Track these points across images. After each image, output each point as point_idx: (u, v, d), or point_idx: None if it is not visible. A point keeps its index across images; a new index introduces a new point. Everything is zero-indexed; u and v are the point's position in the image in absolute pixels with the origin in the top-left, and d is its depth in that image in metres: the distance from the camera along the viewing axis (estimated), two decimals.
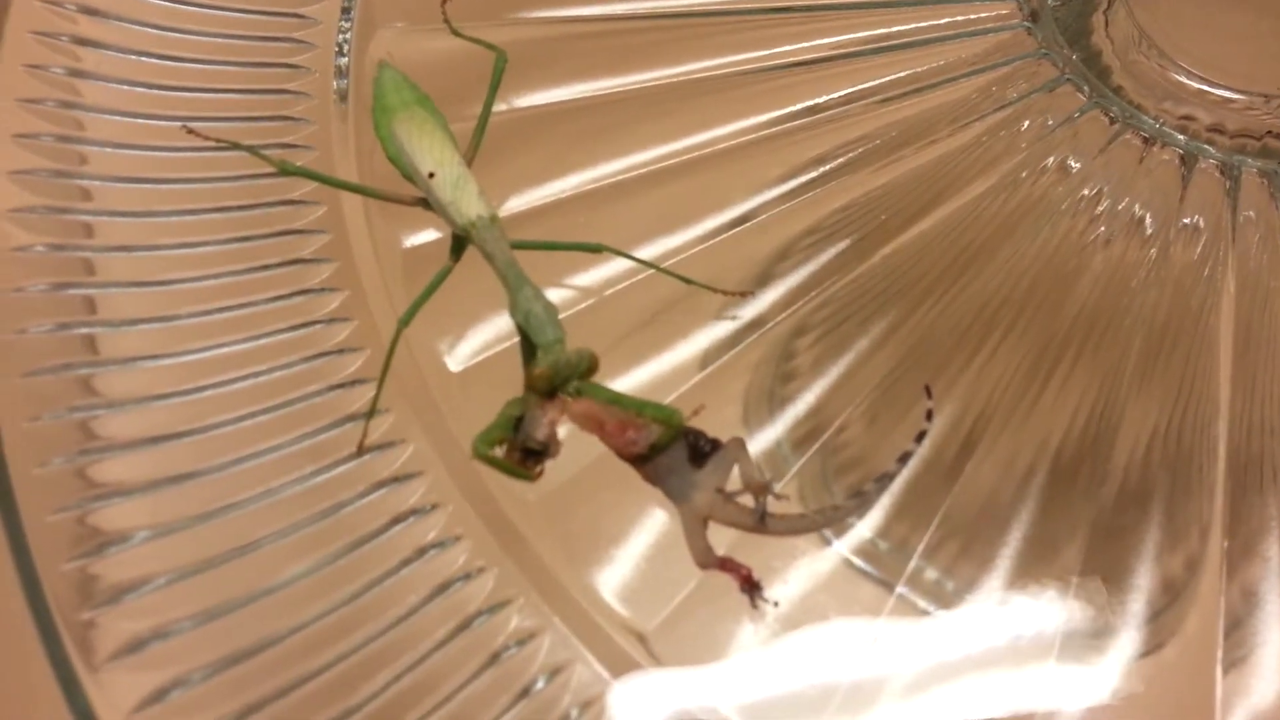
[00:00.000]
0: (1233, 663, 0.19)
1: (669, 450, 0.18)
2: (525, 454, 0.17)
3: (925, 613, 0.20)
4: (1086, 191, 0.24)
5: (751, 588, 0.18)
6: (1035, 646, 0.20)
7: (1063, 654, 0.20)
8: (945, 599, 0.20)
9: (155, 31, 0.24)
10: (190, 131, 0.22)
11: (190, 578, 0.18)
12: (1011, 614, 0.20)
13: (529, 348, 0.18)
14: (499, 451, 0.18)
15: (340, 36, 0.25)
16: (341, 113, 0.24)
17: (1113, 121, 0.25)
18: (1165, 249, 0.24)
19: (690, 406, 0.18)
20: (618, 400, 0.18)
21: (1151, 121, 0.25)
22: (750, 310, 0.23)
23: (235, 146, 0.22)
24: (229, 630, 0.18)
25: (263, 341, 0.21)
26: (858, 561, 0.21)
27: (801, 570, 0.20)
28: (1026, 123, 0.25)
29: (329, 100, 0.24)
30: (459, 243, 0.21)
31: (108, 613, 0.18)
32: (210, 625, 0.18)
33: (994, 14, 0.26)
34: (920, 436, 0.19)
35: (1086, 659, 0.20)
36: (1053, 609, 0.20)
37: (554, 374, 0.17)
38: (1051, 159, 0.25)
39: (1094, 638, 0.20)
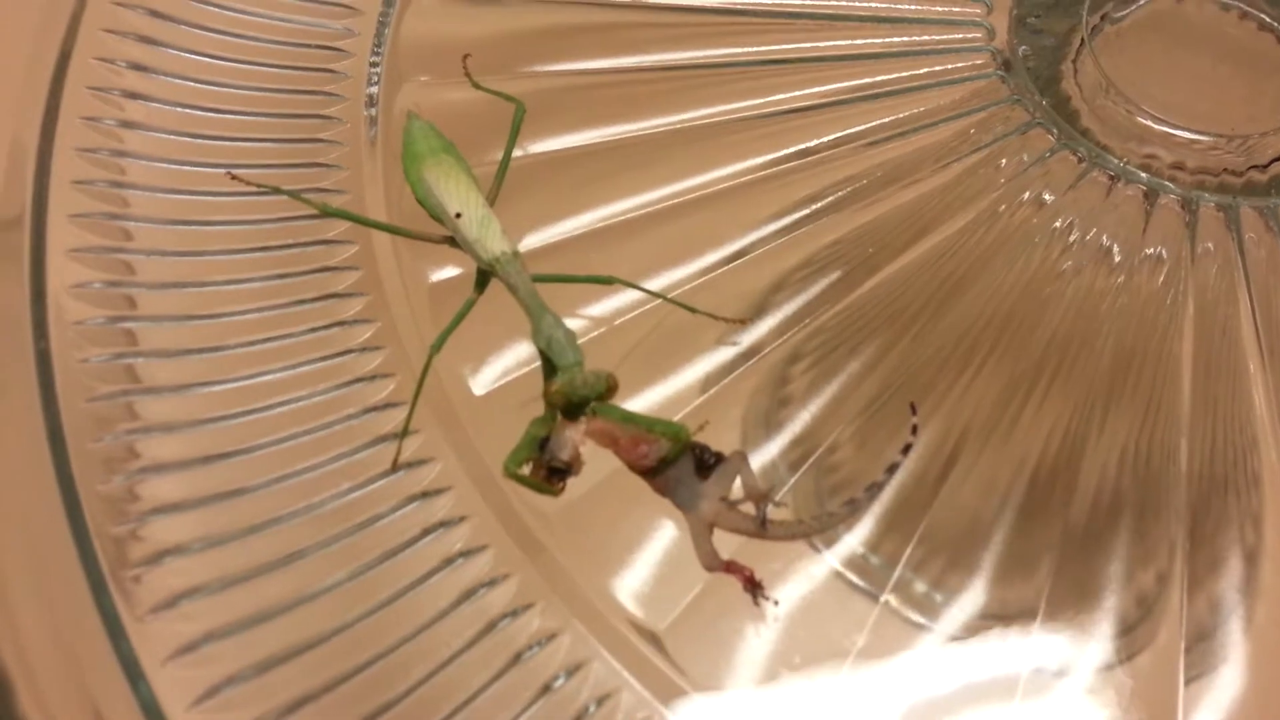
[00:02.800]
0: (1200, 673, 0.21)
1: (677, 463, 0.19)
2: (550, 472, 0.19)
3: (915, 624, 0.22)
4: (1059, 224, 0.26)
5: (754, 588, 0.19)
6: (1008, 674, 0.21)
7: (1036, 674, 0.21)
8: (933, 610, 0.22)
9: (199, 86, 0.26)
10: (234, 177, 0.24)
11: (238, 585, 0.20)
12: (989, 639, 0.21)
13: (550, 370, 0.20)
14: (526, 470, 0.19)
15: (369, 89, 0.27)
16: (371, 159, 0.26)
17: (1080, 161, 0.27)
18: (1131, 278, 0.25)
19: (692, 428, 0.20)
20: (631, 419, 0.20)
21: (1116, 161, 0.26)
22: (747, 338, 0.25)
23: (277, 191, 0.24)
24: (274, 633, 0.20)
25: (301, 369, 0.23)
26: (851, 575, 0.22)
27: (800, 574, 0.22)
28: (1004, 161, 0.27)
29: (360, 148, 0.26)
30: (483, 276, 0.22)
31: (165, 615, 0.19)
32: (257, 629, 0.20)
33: (970, 64, 0.28)
34: (906, 449, 0.21)
35: (1061, 675, 0.21)
36: (1027, 632, 0.21)
37: (570, 391, 0.19)
38: (1027, 194, 0.26)
39: (1069, 651, 0.21)
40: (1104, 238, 0.26)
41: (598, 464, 0.21)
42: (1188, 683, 0.21)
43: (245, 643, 0.20)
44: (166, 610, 0.20)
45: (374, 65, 0.27)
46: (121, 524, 0.20)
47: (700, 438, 0.20)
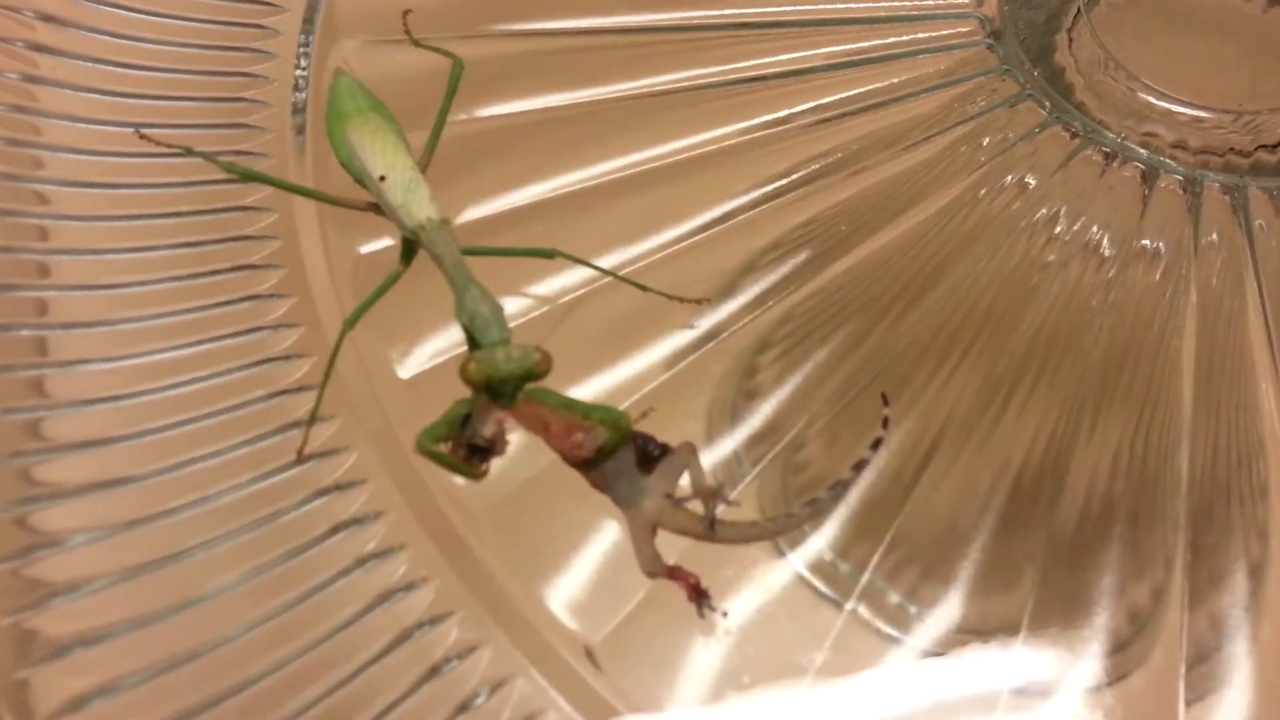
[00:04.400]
0: (1199, 695, 0.19)
1: (617, 454, 0.17)
2: (471, 451, 0.17)
3: (886, 636, 0.20)
4: (1045, 211, 0.24)
5: (699, 596, 0.17)
6: (988, 692, 0.19)
7: (1018, 694, 0.19)
8: (906, 623, 0.20)
9: (112, 39, 0.24)
10: (142, 137, 0.22)
11: (121, 583, 0.18)
12: (967, 655, 0.20)
13: (475, 349, 0.18)
14: (444, 448, 0.17)
15: (300, 50, 0.25)
16: (299, 123, 0.24)
17: (1074, 136, 0.25)
18: (1124, 271, 0.23)
19: (635, 415, 0.18)
20: (566, 404, 0.18)
21: (1113, 137, 0.25)
22: (712, 319, 0.23)
23: (188, 152, 0.22)
24: (158, 638, 0.18)
25: (207, 346, 0.21)
26: (817, 583, 0.20)
27: (755, 582, 0.19)
28: (986, 140, 0.25)
29: (286, 109, 0.24)
30: (409, 246, 0.20)
31: (35, 616, 0.17)
32: (139, 632, 0.18)
33: (956, 31, 0.26)
34: (876, 444, 0.19)
35: (1046, 695, 0.19)
36: (1009, 648, 0.20)
37: (491, 368, 0.16)
38: (1010, 177, 0.25)
39: (1054, 669, 0.19)
40: (1094, 228, 0.24)
41: (532, 456, 0.19)
42: (1187, 705, 0.19)
43: (124, 648, 0.18)
44: (34, 611, 0.17)
45: (307, 21, 0.25)
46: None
47: (646, 426, 0.18)
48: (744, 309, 0.23)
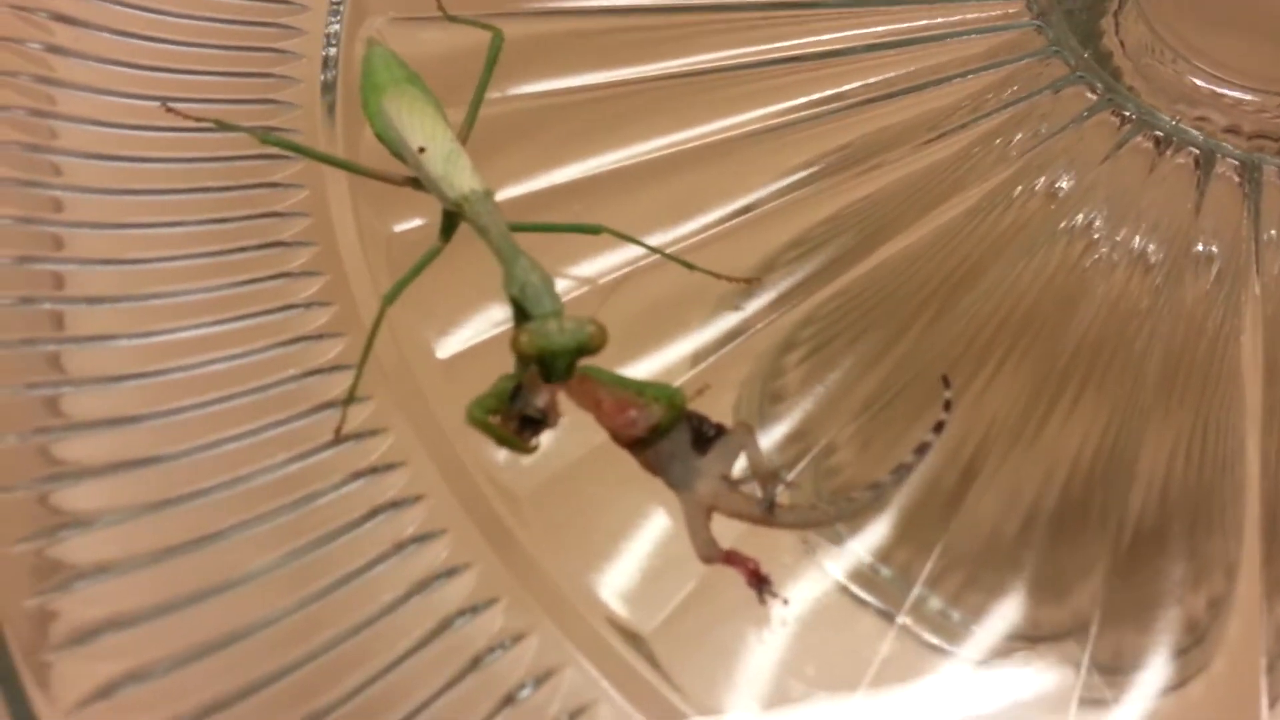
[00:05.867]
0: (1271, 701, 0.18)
1: (671, 434, 0.17)
2: (522, 423, 0.16)
3: (929, 645, 0.19)
4: (1085, 210, 0.23)
5: (759, 582, 0.16)
6: (1047, 702, 0.18)
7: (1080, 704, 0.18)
8: (951, 631, 0.19)
9: (137, 12, 0.23)
10: (169, 110, 0.21)
11: (150, 567, 0.17)
12: (1021, 666, 0.19)
13: (524, 321, 0.17)
14: (494, 421, 0.16)
15: (330, 26, 0.24)
16: (329, 101, 0.23)
17: (1124, 122, 0.24)
18: (1176, 274, 0.23)
19: (689, 393, 0.17)
20: (618, 381, 0.17)
21: (1167, 120, 0.24)
22: (734, 317, 0.22)
23: (219, 125, 0.21)
24: (188, 624, 0.17)
25: (237, 324, 0.20)
26: (856, 589, 0.19)
27: (816, 570, 0.19)
28: (1020, 134, 0.24)
29: (316, 86, 0.23)
30: (450, 220, 0.19)
31: (60, 599, 0.16)
32: (169, 618, 0.17)
33: (1002, 12, 0.26)
34: (939, 427, 0.18)
35: (1104, 704, 0.18)
36: (1066, 656, 0.19)
37: (544, 340, 0.16)
38: (1046, 175, 0.24)
39: (1108, 681, 0.18)
40: (1142, 227, 0.23)
41: (580, 437, 0.18)
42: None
43: (153, 634, 0.17)
44: (59, 592, 0.16)
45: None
46: (20, 489, 0.17)
47: (698, 407, 0.17)
48: (766, 309, 0.22)
